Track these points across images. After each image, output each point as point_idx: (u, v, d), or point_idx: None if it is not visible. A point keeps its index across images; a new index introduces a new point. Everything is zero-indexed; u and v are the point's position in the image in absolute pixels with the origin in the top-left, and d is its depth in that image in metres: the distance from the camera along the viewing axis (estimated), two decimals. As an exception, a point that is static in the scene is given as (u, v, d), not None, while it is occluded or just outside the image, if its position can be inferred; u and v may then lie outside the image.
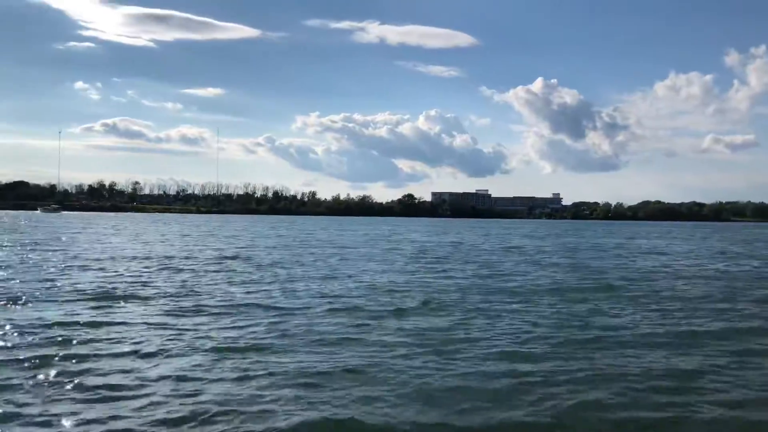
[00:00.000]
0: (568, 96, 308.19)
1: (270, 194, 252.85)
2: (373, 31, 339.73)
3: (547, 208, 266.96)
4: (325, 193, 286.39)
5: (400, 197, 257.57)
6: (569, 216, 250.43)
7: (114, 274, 22.51)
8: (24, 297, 16.00)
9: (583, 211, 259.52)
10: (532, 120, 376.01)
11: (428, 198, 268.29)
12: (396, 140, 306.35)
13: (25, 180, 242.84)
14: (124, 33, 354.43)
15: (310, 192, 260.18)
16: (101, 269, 23.96)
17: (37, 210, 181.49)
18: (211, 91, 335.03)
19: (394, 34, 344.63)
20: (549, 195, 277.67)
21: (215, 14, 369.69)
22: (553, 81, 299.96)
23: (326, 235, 63.96)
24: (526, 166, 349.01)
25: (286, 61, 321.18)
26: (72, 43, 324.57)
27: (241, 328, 12.83)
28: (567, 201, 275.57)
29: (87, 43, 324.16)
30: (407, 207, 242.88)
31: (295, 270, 25.40)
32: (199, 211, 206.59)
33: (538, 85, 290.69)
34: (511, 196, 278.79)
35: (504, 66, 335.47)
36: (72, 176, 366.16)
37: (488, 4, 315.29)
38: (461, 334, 12.69)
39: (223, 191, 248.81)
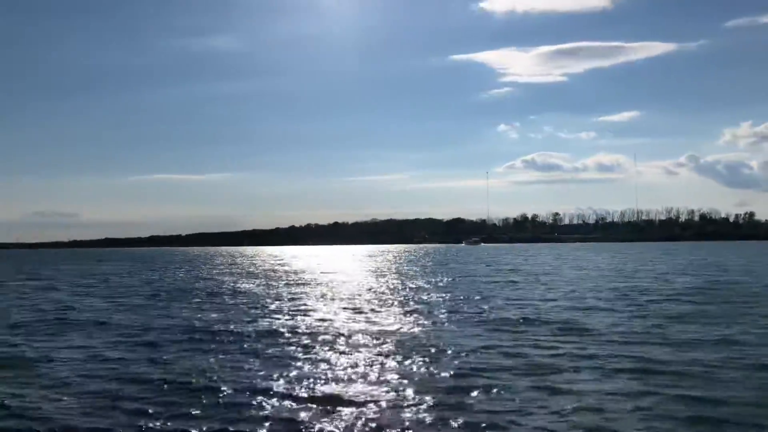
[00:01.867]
0: None
1: (696, 218, 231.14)
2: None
3: None
4: (765, 214, 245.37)
5: None
6: None
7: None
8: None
9: None
10: None
11: None
12: None
13: (462, 217, 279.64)
14: (537, 72, 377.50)
15: (745, 213, 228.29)
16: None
17: (461, 243, 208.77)
18: (625, 116, 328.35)
19: None
20: None
21: (625, 36, 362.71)
22: None
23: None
24: None
25: (707, 71, 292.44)
26: (494, 91, 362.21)
27: None
28: None
29: (506, 89, 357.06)
30: None
31: None
32: (618, 240, 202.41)
33: None
34: None
35: None
36: (499, 211, 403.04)
37: None
38: None
39: (643, 218, 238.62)
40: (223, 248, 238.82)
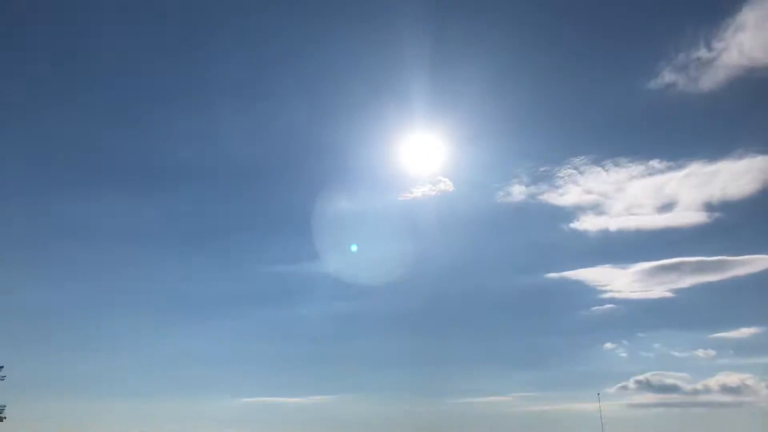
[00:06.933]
0: None
1: None
2: None
3: None
4: None
5: None
6: None
7: None
8: None
9: None
10: None
11: None
12: None
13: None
14: (638, 289, 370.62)
15: None
16: None
17: None
18: (744, 332, 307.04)
19: None
20: None
21: (728, 250, 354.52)
22: None
23: None
24: None
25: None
26: (596, 308, 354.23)
27: None
28: None
29: (608, 305, 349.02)
30: None
31: None
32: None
33: None
34: None
35: None
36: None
37: None
38: None
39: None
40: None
